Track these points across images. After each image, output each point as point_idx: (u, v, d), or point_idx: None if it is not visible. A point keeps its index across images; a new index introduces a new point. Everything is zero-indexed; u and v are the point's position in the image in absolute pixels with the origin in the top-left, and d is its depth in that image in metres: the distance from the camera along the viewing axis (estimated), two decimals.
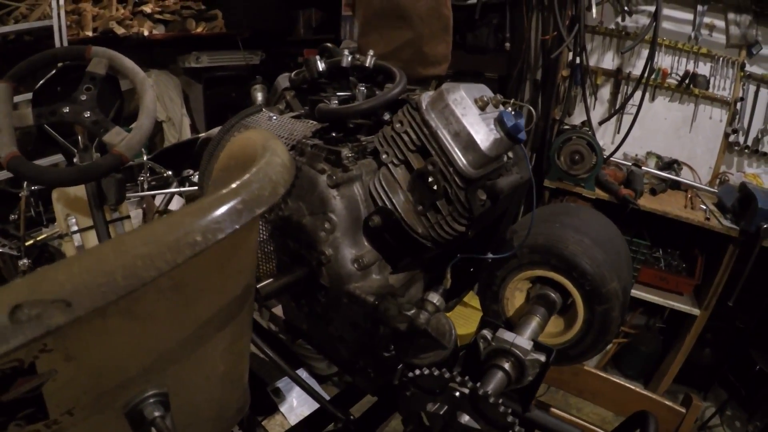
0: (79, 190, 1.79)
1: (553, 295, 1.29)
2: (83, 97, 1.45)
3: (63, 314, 0.32)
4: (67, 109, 1.44)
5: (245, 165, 0.46)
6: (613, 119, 3.22)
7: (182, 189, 2.16)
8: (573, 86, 3.18)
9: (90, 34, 2.99)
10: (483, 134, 0.83)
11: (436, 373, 0.81)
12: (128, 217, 1.96)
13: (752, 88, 3.01)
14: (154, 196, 2.35)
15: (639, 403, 1.06)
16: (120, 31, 3.07)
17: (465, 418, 0.79)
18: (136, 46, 3.48)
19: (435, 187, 0.85)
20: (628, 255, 1.41)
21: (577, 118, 3.29)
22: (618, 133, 3.22)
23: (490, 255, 1.12)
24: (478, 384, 0.80)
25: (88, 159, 1.65)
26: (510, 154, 1.03)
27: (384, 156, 0.91)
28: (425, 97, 0.87)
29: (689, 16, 3.02)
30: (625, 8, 2.99)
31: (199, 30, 3.61)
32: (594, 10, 2.86)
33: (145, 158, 2.68)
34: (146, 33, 3.23)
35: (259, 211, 0.42)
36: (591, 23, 3.04)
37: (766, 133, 3.03)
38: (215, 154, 1.18)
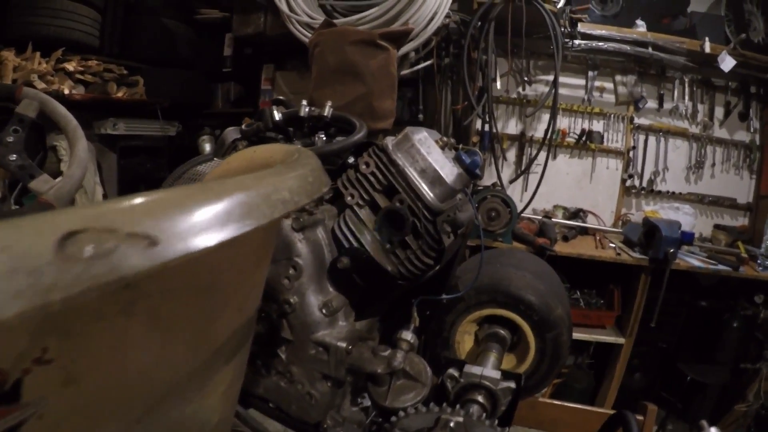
0: None
1: (502, 331, 1.35)
2: (10, 139, 1.34)
3: (144, 256, 0.22)
4: None
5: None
6: (520, 179, 3.53)
7: None
8: (482, 151, 3.46)
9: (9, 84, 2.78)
10: (447, 169, 0.91)
11: (425, 409, 0.80)
12: None
13: (641, 137, 3.49)
14: None
15: (598, 421, 1.11)
16: (40, 86, 2.88)
17: None
18: None
19: (404, 224, 0.88)
20: (561, 284, 1.55)
21: (488, 179, 3.55)
22: (526, 190, 3.52)
23: (444, 296, 1.16)
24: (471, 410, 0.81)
25: (5, 208, 1.49)
26: (459, 195, 1.10)
27: (349, 198, 0.94)
28: (390, 140, 0.93)
29: (582, 81, 3.49)
30: (525, 78, 3.40)
31: (119, 95, 3.50)
32: (498, 82, 3.21)
33: None
34: (66, 91, 3.06)
35: (317, 194, 0.41)
36: (496, 93, 3.39)
37: (658, 174, 3.53)
38: None
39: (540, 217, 3.35)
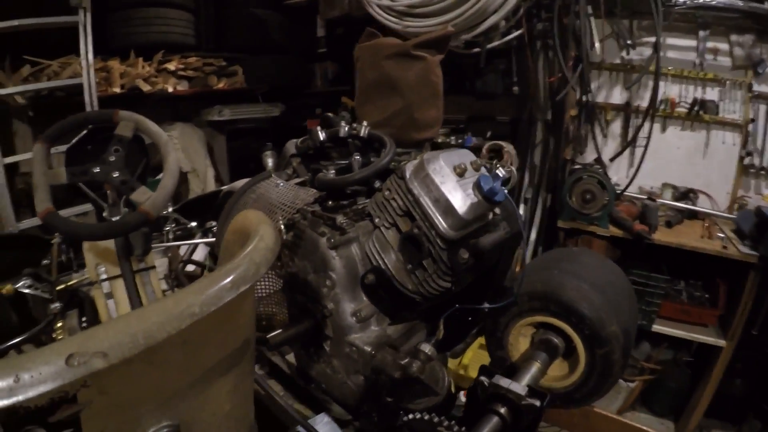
0: (109, 242, 1.92)
1: (555, 339, 1.32)
2: (112, 158, 1.58)
3: (102, 361, 0.46)
4: (97, 169, 1.56)
5: (243, 241, 0.62)
6: (626, 154, 3.23)
7: (205, 240, 2.27)
8: (582, 124, 3.23)
9: (117, 90, 3.21)
10: (460, 200, 0.91)
11: (426, 417, 0.86)
12: (154, 267, 2.07)
13: (763, 108, 2.99)
14: (178, 247, 2.47)
15: None
16: (145, 87, 3.28)
17: None
18: (162, 100, 3.71)
19: (421, 248, 0.92)
20: (632, 296, 1.43)
21: (590, 155, 3.32)
22: (632, 167, 3.22)
23: (486, 305, 1.17)
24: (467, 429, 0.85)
25: (116, 213, 1.76)
26: (498, 210, 1.09)
27: (377, 220, 1.00)
28: (409, 167, 0.96)
29: (692, 43, 3.04)
30: (628, 42, 3.02)
31: (220, 86, 3.83)
32: (597, 47, 2.93)
33: (170, 210, 2.83)
34: (170, 89, 3.44)
35: (245, 288, 0.55)
36: (595, 60, 3.11)
37: None
38: (231, 214, 1.28)
39: (644, 198, 3.08)
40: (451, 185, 0.92)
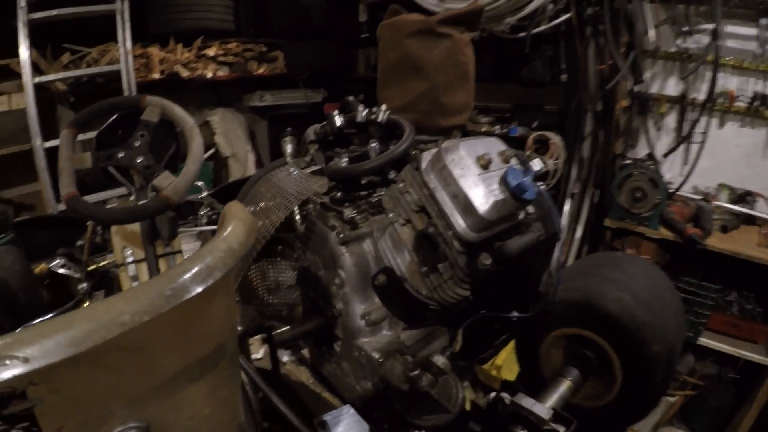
0: (135, 226, 1.93)
1: (590, 355, 1.21)
2: (137, 143, 1.58)
3: (22, 367, 0.44)
4: (122, 154, 1.56)
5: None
6: (680, 150, 3.00)
7: None
8: (634, 117, 3.01)
9: (156, 76, 3.26)
10: (481, 197, 0.79)
11: None
12: (180, 251, 2.07)
13: None
14: (212, 231, 2.47)
15: None
16: (184, 73, 3.31)
17: None
18: (204, 86, 3.75)
19: (437, 250, 0.82)
20: (680, 312, 1.29)
21: (642, 150, 3.11)
22: (686, 164, 3.00)
23: (515, 314, 1.07)
24: None
25: (143, 197, 1.76)
26: (531, 209, 0.97)
27: (391, 215, 0.91)
28: (426, 157, 0.85)
29: (753, 31, 2.74)
30: (684, 28, 2.78)
31: (260, 71, 3.82)
32: (651, 33, 2.70)
33: (204, 194, 2.84)
34: (210, 75, 3.45)
35: (188, 296, 0.50)
36: (649, 47, 2.88)
37: None
38: (242, 202, 1.23)
39: (698, 199, 2.85)
40: (473, 179, 0.80)
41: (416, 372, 0.85)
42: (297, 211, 1.11)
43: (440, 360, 0.86)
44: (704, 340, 2.61)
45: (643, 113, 2.98)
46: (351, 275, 0.94)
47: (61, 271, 1.98)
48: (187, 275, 0.51)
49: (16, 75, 2.76)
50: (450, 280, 0.84)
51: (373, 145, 1.02)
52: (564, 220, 3.34)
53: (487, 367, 2.53)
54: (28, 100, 2.71)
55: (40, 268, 1.90)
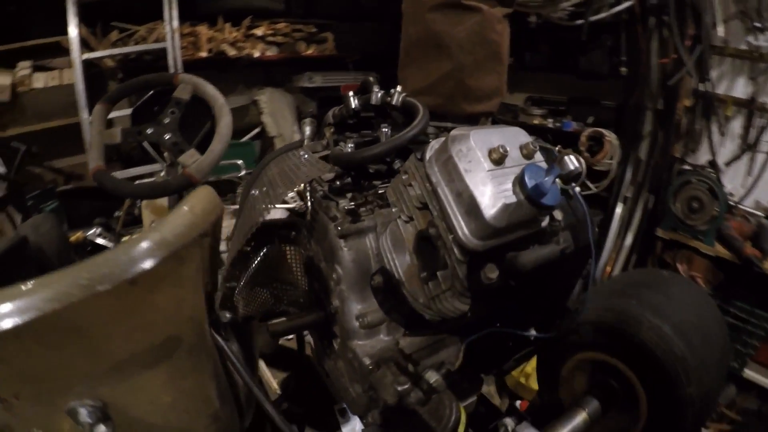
0: (165, 200, 1.97)
1: (615, 386, 1.09)
2: (167, 120, 1.58)
3: None
4: (150, 131, 1.57)
5: None
6: (745, 159, 2.76)
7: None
8: (697, 118, 2.78)
9: (204, 54, 3.31)
10: (489, 197, 0.66)
11: None
12: None
13: None
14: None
15: None
16: (231, 52, 3.34)
17: None
18: (253, 65, 3.77)
19: (438, 255, 0.74)
20: (726, 350, 1.14)
21: (703, 156, 2.89)
22: (749, 175, 2.75)
23: (533, 332, 0.97)
24: None
25: (173, 174, 1.78)
26: (558, 215, 0.84)
27: (394, 210, 0.83)
28: (433, 146, 0.74)
29: None
30: (756, 24, 2.51)
31: (309, 52, 3.81)
32: (720, 28, 2.46)
33: (243, 173, 2.88)
34: (257, 54, 3.47)
35: (106, 287, 0.50)
36: (717, 43, 2.63)
37: None
38: (253, 183, 1.19)
39: (760, 215, 2.61)
40: (481, 176, 0.67)
41: (405, 387, 0.78)
42: (308, 196, 1.05)
43: (433, 377, 0.78)
44: (749, 373, 2.44)
45: (706, 115, 2.76)
46: (348, 272, 0.87)
47: (98, 240, 2.05)
48: (110, 266, 0.51)
49: (68, 52, 2.89)
50: (448, 291, 0.74)
51: (384, 130, 0.95)
52: (614, 225, 3.16)
53: (516, 373, 2.43)
54: (76, 75, 2.85)
55: (77, 236, 1.97)
